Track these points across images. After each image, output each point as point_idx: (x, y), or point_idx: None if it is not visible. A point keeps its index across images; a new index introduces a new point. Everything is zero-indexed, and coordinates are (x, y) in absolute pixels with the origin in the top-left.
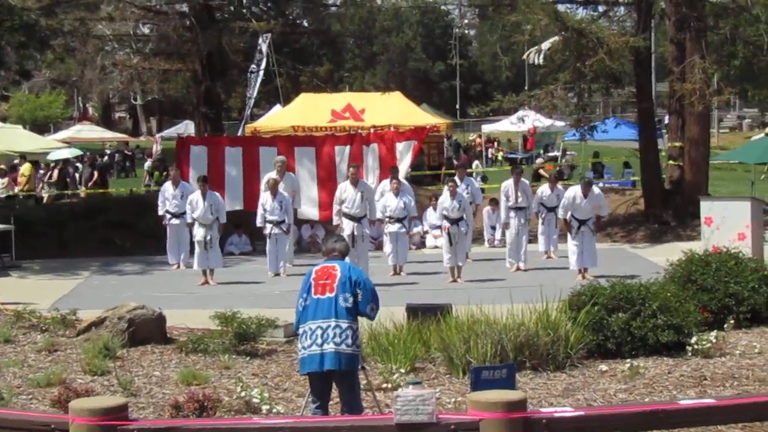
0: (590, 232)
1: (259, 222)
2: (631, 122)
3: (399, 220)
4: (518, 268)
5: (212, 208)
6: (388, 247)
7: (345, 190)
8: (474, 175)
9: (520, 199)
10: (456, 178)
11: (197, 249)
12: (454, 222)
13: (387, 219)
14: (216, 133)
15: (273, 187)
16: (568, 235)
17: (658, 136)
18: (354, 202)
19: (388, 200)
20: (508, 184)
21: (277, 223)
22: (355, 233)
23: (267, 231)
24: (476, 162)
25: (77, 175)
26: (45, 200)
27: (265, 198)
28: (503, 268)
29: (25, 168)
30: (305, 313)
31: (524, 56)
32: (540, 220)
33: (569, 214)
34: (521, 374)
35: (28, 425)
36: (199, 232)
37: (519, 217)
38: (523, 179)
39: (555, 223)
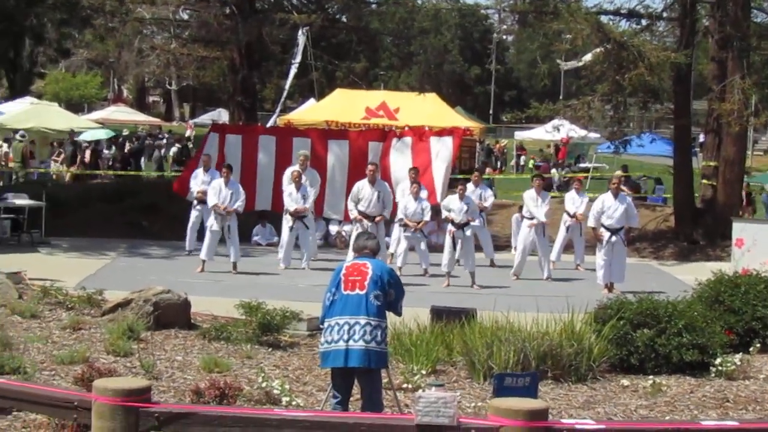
0: (621, 243)
1: (288, 206)
2: (666, 138)
3: (418, 223)
4: (548, 277)
5: (233, 197)
6: (401, 247)
7: (362, 188)
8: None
9: (540, 209)
10: (471, 182)
11: (210, 237)
12: (460, 227)
13: (408, 221)
14: (250, 122)
15: (296, 180)
16: (597, 247)
17: (692, 154)
18: (370, 202)
19: (407, 203)
20: (530, 193)
21: (300, 217)
22: (370, 231)
23: (289, 224)
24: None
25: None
26: (67, 179)
27: (289, 190)
28: (530, 276)
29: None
30: (333, 308)
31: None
32: (564, 228)
33: (598, 221)
34: (542, 384)
35: (51, 401)
36: (216, 222)
37: (539, 226)
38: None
39: (579, 232)
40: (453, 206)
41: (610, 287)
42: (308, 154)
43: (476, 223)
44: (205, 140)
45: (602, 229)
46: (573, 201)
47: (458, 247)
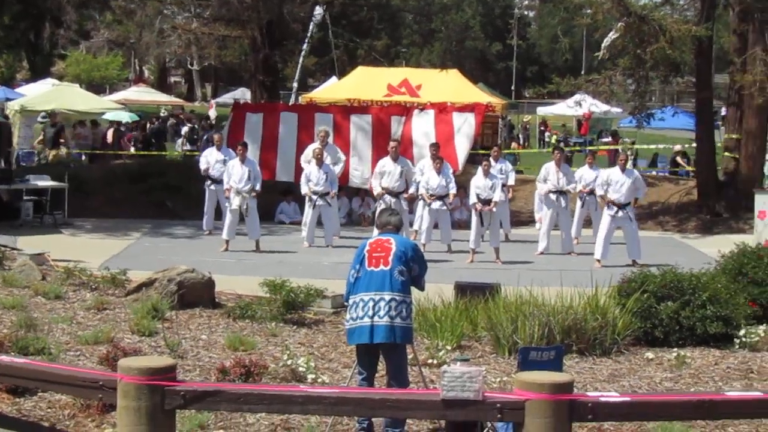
0: (629, 219)
1: (304, 191)
2: (688, 112)
3: (440, 198)
4: (571, 252)
5: (250, 175)
6: (425, 223)
7: (385, 164)
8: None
9: (561, 182)
10: (491, 158)
11: (230, 217)
12: (486, 202)
13: (429, 196)
14: (272, 101)
15: (318, 157)
16: (603, 221)
17: (715, 127)
18: (393, 177)
19: (430, 178)
20: (549, 165)
21: (322, 195)
22: (393, 208)
23: (311, 201)
24: (513, 143)
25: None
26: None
27: (310, 169)
28: (553, 250)
29: None
30: (357, 285)
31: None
32: (580, 203)
33: (605, 191)
34: (567, 357)
35: (76, 381)
36: (234, 201)
37: (560, 200)
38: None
39: (595, 206)
40: (479, 183)
41: (633, 263)
42: (329, 130)
43: (500, 198)
44: (229, 120)
45: (609, 204)
46: (582, 175)
47: (485, 222)
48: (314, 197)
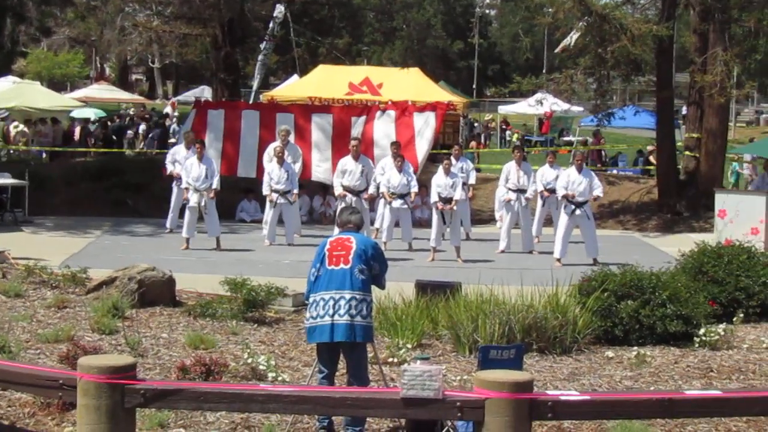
0: (586, 217)
1: (265, 190)
2: (649, 110)
3: (401, 196)
4: (532, 251)
5: (207, 173)
6: (386, 222)
7: (346, 163)
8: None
9: (521, 181)
10: (452, 156)
11: (188, 215)
12: (447, 201)
13: (390, 195)
14: (233, 99)
15: (279, 156)
16: (561, 220)
17: (675, 126)
18: (354, 176)
19: (391, 176)
20: (510, 165)
21: (283, 193)
22: (354, 206)
23: (272, 199)
24: (473, 142)
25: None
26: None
27: (271, 167)
28: (514, 249)
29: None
30: (317, 284)
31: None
32: (540, 202)
33: (566, 191)
34: (527, 356)
35: (36, 380)
36: (193, 198)
37: (521, 199)
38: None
39: (557, 205)
40: (440, 181)
41: (594, 262)
42: (289, 129)
43: (461, 196)
44: (191, 117)
45: (566, 203)
46: (543, 174)
47: (446, 221)
48: (275, 195)
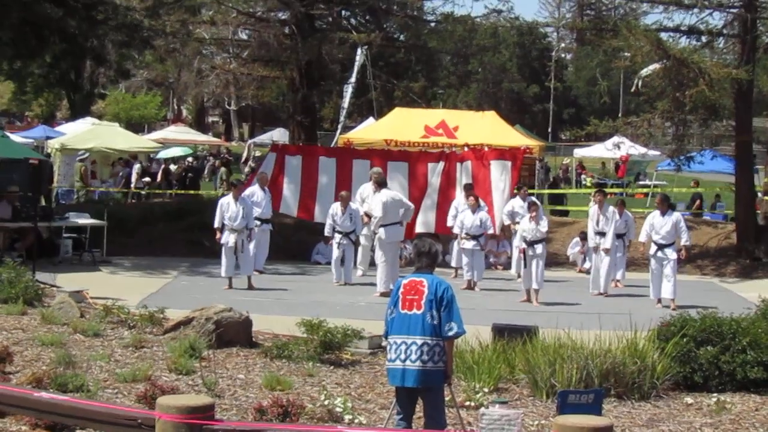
0: (669, 259)
1: (327, 231)
2: (726, 155)
3: (474, 237)
4: (600, 293)
5: (244, 213)
6: (464, 261)
7: (336, 212)
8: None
9: (601, 224)
10: (518, 197)
11: (225, 256)
12: (531, 244)
13: (464, 236)
14: (310, 141)
15: (344, 200)
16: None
17: (754, 171)
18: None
19: (465, 216)
20: (594, 208)
21: (346, 234)
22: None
23: (336, 241)
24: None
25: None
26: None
27: (335, 209)
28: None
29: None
30: (392, 326)
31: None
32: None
33: (649, 237)
34: (606, 401)
35: (115, 418)
36: (230, 239)
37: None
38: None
39: (623, 251)
40: (525, 226)
41: (670, 304)
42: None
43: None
44: (268, 160)
45: (651, 245)
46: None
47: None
48: (338, 237)
